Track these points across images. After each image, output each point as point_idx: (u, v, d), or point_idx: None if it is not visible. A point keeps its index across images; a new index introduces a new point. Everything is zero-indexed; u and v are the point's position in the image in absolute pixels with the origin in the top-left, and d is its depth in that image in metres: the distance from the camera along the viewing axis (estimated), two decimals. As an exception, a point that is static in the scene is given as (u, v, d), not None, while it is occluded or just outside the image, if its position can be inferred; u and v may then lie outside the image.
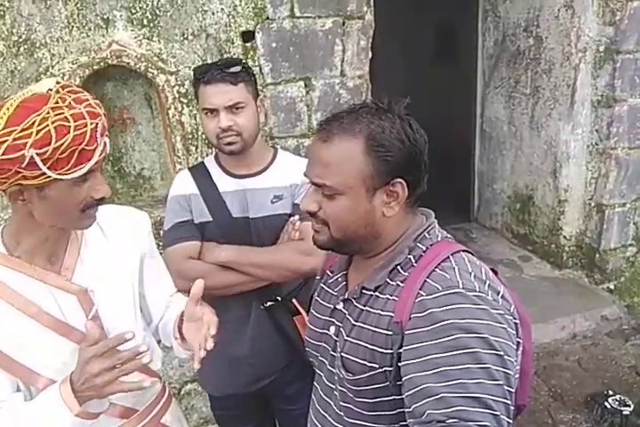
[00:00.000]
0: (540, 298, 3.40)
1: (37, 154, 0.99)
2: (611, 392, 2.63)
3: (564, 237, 3.64)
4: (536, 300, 3.33)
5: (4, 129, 0.99)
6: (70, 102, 1.04)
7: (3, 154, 0.99)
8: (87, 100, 1.08)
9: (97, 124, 1.06)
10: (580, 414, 2.62)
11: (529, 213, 3.92)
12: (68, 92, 1.07)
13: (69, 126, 1.01)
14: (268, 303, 1.81)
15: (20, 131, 0.99)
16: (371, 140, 1.03)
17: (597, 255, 3.53)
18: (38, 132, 0.99)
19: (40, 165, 1.00)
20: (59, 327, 1.19)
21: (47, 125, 0.99)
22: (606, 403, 2.55)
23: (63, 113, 1.02)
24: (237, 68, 1.64)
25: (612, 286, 3.56)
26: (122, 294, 1.31)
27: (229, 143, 1.67)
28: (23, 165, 0.99)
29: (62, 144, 1.00)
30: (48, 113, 1.00)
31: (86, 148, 1.04)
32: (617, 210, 3.46)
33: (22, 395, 1.18)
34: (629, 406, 2.52)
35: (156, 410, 1.39)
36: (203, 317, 1.24)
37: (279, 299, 1.81)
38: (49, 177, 1.03)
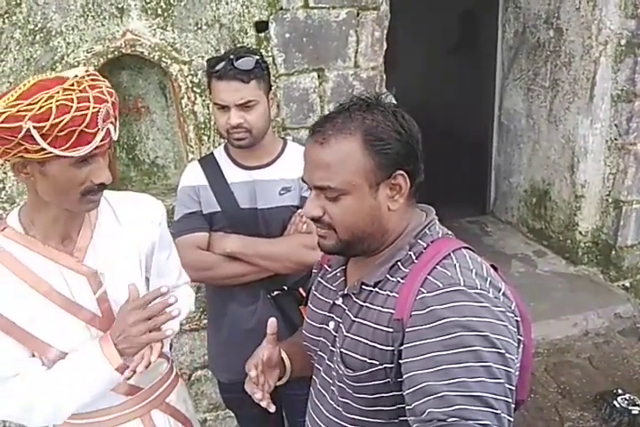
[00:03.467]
0: (554, 294, 3.37)
1: (35, 127, 1.04)
2: (620, 391, 2.62)
3: (580, 232, 3.60)
4: (549, 295, 3.32)
5: (13, 101, 1.04)
6: (85, 87, 1.09)
7: (2, 122, 1.03)
8: (101, 87, 1.12)
9: (100, 108, 1.10)
10: (588, 412, 2.60)
11: (545, 207, 3.88)
12: (91, 79, 1.11)
13: (71, 107, 1.06)
14: (275, 293, 1.83)
15: (27, 104, 1.04)
16: (368, 135, 1.03)
17: (613, 252, 3.49)
18: (41, 107, 1.04)
19: (38, 138, 1.04)
20: (68, 306, 1.24)
21: (51, 103, 1.04)
22: (615, 402, 2.54)
23: (71, 95, 1.06)
24: (250, 64, 1.63)
25: (627, 284, 3.52)
26: (131, 279, 1.34)
27: (239, 139, 1.69)
28: (20, 136, 1.04)
29: (61, 122, 1.05)
30: (57, 92, 1.05)
31: (86, 130, 1.08)
32: (634, 206, 3.41)
33: (38, 360, 1.24)
34: (638, 405, 2.51)
35: (161, 389, 1.44)
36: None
37: (286, 288, 1.83)
38: (49, 153, 1.07)
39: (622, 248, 3.47)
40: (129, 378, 1.23)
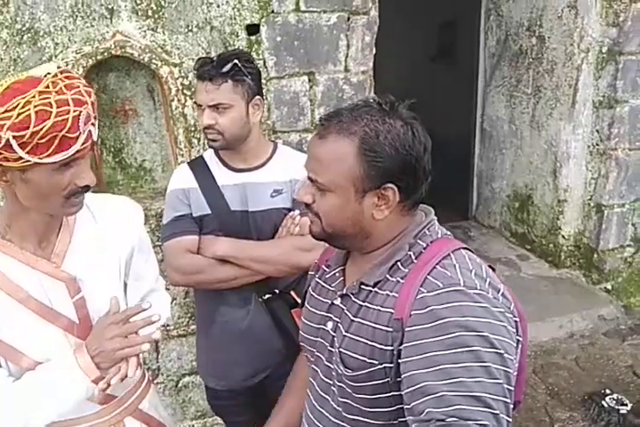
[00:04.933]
0: (538, 297, 3.41)
1: (14, 137, 0.98)
2: (608, 391, 2.65)
3: (563, 236, 3.65)
4: (534, 299, 3.35)
5: None
6: (61, 88, 1.03)
7: None
8: (78, 87, 1.07)
9: (80, 111, 1.05)
10: (577, 412, 2.63)
11: (528, 212, 3.93)
12: (65, 77, 1.06)
13: (51, 112, 1.00)
14: (267, 296, 1.82)
15: (3, 112, 0.98)
16: (363, 143, 1.02)
17: (595, 255, 3.54)
18: (19, 115, 0.98)
19: (16, 148, 0.99)
20: (45, 313, 1.20)
21: (29, 109, 0.99)
22: (603, 402, 2.58)
23: (49, 98, 1.01)
24: (227, 68, 1.62)
25: (609, 287, 3.57)
26: (110, 284, 1.31)
27: (211, 140, 1.71)
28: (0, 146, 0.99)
29: (41, 129, 1.00)
30: (34, 97, 1.00)
31: (67, 135, 1.03)
32: (616, 210, 3.47)
33: (5, 371, 1.19)
34: (626, 405, 2.55)
35: (134, 397, 1.40)
36: None
37: (277, 291, 1.82)
38: (28, 161, 1.02)
39: (604, 251, 3.52)
40: (104, 390, 1.19)
